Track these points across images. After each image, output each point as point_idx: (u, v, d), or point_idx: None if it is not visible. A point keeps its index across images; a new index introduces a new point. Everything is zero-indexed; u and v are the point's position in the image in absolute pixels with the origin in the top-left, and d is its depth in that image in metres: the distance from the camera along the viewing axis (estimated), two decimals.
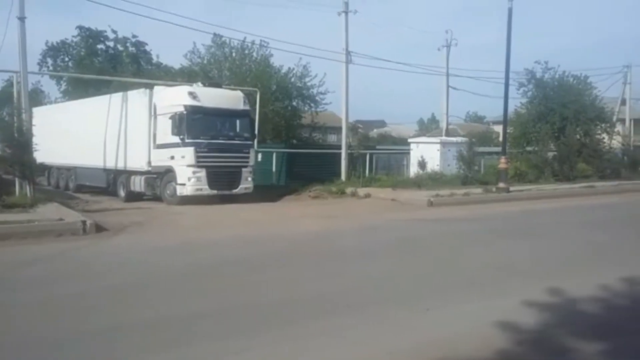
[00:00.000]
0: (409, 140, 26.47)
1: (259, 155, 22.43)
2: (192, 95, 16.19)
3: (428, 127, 60.68)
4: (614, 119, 30.28)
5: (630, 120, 33.66)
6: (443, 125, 29.14)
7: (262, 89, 23.89)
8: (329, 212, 14.99)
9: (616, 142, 28.63)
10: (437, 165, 21.72)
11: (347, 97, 21.84)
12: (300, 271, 7.94)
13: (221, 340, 5.02)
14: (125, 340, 5.03)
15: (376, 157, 23.84)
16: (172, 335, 5.15)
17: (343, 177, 20.89)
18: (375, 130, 53.13)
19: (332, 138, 38.07)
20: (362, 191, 18.27)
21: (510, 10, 18.32)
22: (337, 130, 28.17)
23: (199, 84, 17.51)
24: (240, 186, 16.71)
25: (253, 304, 6.16)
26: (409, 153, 23.44)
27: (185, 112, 15.85)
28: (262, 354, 4.75)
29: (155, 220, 12.97)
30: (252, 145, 17.44)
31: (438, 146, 22.40)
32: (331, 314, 5.78)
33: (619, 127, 31.04)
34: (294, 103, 28.30)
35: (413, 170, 22.10)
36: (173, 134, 15.94)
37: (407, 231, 12.06)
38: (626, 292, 6.71)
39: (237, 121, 17.13)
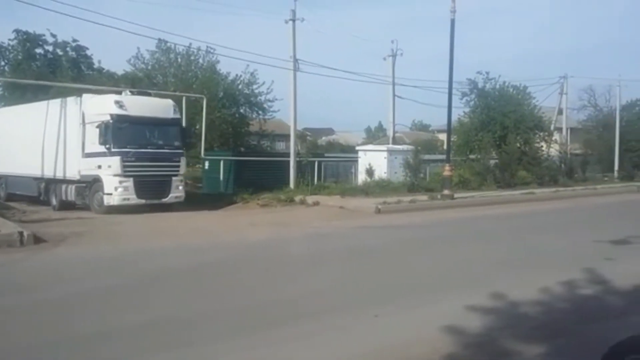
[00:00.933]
0: (357, 148, 26.73)
1: (206, 163, 22.16)
2: (119, 104, 15.99)
3: (375, 135, 61.46)
4: (552, 127, 31.53)
5: (567, 129, 35.18)
6: (390, 133, 29.55)
7: (208, 95, 23.65)
8: (278, 220, 14.90)
9: (554, 150, 29.80)
10: (385, 172, 21.98)
11: (295, 104, 21.84)
12: (250, 279, 7.87)
13: (185, 348, 4.95)
14: (66, 354, 4.88)
15: (324, 164, 23.88)
16: (127, 346, 5.03)
17: (292, 184, 20.82)
18: (323, 138, 53.43)
19: (280, 146, 38.08)
20: (310, 199, 18.27)
21: (452, 22, 18.80)
22: (286, 137, 28.18)
23: (127, 92, 17.34)
24: (171, 195, 16.54)
25: (211, 312, 6.09)
26: (356, 161, 23.63)
27: (111, 121, 15.64)
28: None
29: (97, 231, 12.53)
30: (183, 154, 17.35)
31: (385, 154, 22.69)
32: (282, 322, 5.74)
33: (556, 136, 32.36)
34: (242, 110, 28.16)
35: (361, 177, 22.28)
36: (100, 143, 15.71)
37: (356, 239, 12.14)
38: (565, 294, 6.96)
39: (167, 130, 16.99)
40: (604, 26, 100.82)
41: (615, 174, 32.87)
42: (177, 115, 17.35)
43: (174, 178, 16.65)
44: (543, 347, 5.13)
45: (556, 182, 25.51)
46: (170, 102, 17.66)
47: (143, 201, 15.96)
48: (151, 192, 16.12)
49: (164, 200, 16.41)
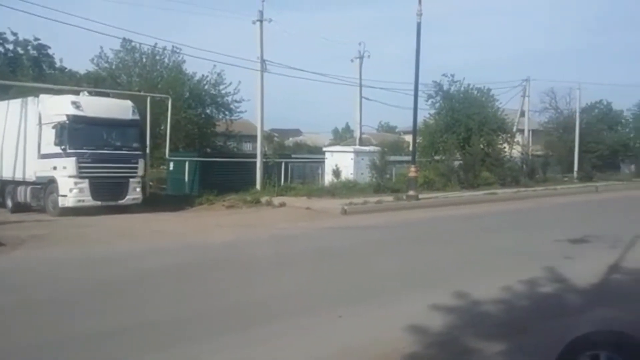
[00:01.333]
0: (324, 149, 26.77)
1: (171, 164, 21.85)
2: (75, 104, 15.79)
3: (342, 136, 61.67)
4: (514, 129, 32.18)
5: (529, 130, 35.92)
6: (357, 134, 29.72)
7: (174, 95, 23.33)
8: (244, 221, 14.81)
9: (516, 152, 30.42)
10: (351, 173, 22.09)
11: (262, 105, 21.75)
12: (217, 282, 7.81)
13: (156, 353, 4.92)
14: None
15: (291, 165, 23.85)
16: (100, 351, 5.00)
17: (258, 186, 20.72)
18: (290, 139, 53.34)
19: (247, 147, 37.86)
20: (277, 200, 18.20)
21: (419, 25, 19.00)
22: (253, 138, 28.03)
23: (85, 92, 17.15)
24: (128, 197, 16.41)
25: (178, 316, 6.02)
26: (323, 162, 23.69)
27: (67, 122, 15.47)
28: None
29: (57, 234, 12.20)
30: (141, 155, 17.20)
31: (352, 155, 22.81)
32: (249, 325, 5.71)
33: (518, 137, 33.04)
34: (208, 111, 27.90)
35: (328, 178, 22.35)
36: (55, 144, 15.51)
37: (321, 240, 12.15)
38: (526, 293, 7.12)
39: (125, 131, 16.85)
40: (566, 31, 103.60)
41: (575, 174, 33.77)
42: (136, 117, 17.15)
43: (131, 180, 16.50)
44: (504, 344, 5.23)
45: (518, 183, 26.05)
46: (129, 103, 17.44)
47: (99, 203, 15.77)
48: (107, 193, 15.97)
49: (121, 202, 16.27)
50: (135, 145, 16.91)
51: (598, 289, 7.52)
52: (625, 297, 7.11)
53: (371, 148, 26.09)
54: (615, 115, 42.95)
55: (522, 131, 34.73)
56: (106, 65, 28.50)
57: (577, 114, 36.68)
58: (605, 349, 3.41)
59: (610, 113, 42.63)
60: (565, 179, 32.26)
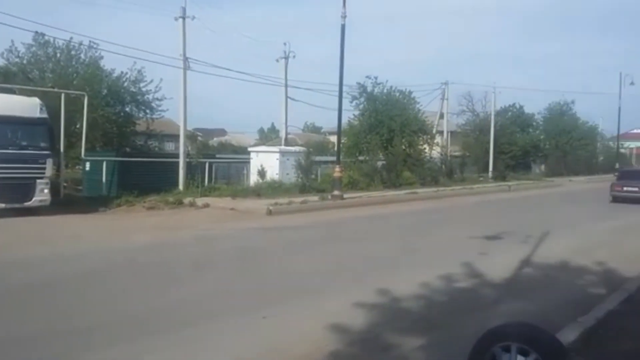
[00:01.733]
0: (249, 149, 26.54)
1: (87, 164, 20.91)
2: None
3: (268, 136, 61.50)
4: (434, 131, 33.30)
5: (448, 132, 37.33)
6: (282, 134, 29.69)
7: (91, 92, 22.36)
8: (165, 223, 14.40)
9: (435, 152, 31.51)
10: (277, 174, 22.04)
11: (185, 104, 21.24)
12: (133, 287, 7.49)
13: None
14: None
15: (216, 166, 23.44)
16: None
17: (181, 186, 20.23)
18: (215, 138, 52.54)
19: (169, 146, 36.89)
20: (200, 201, 17.85)
21: (343, 27, 19.27)
22: (175, 138, 27.31)
23: None
24: (35, 199, 15.56)
25: (90, 323, 5.74)
26: (249, 162, 23.49)
27: None
28: None
29: None
30: (49, 155, 16.33)
31: (277, 155, 22.75)
32: (168, 329, 5.56)
33: (438, 139, 34.22)
34: (128, 109, 26.94)
35: (253, 179, 22.17)
36: None
37: (245, 240, 12.03)
38: (444, 288, 7.37)
39: (32, 130, 15.96)
40: (482, 37, 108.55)
41: (490, 174, 35.40)
42: (44, 115, 16.28)
43: (38, 181, 15.63)
44: (423, 339, 5.38)
45: (437, 182, 26.97)
46: (36, 100, 16.54)
47: (3, 205, 14.83)
48: (12, 195, 15.03)
49: (27, 204, 15.36)
50: (43, 144, 16.04)
51: (510, 282, 7.91)
52: (535, 290, 7.52)
53: (297, 148, 26.15)
54: (527, 118, 45.43)
55: (441, 133, 35.97)
56: (17, 59, 26.86)
57: (492, 117, 38.47)
58: (515, 340, 3.59)
59: (523, 116, 45.04)
60: (481, 178, 33.76)
